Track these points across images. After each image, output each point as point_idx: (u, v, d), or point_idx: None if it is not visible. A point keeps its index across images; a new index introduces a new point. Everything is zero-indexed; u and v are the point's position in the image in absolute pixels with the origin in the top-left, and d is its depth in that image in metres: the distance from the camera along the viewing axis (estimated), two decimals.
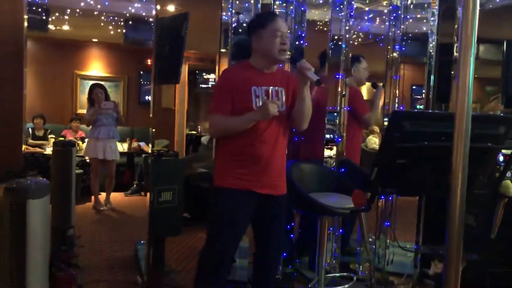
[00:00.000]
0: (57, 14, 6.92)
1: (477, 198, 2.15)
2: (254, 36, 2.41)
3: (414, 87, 6.88)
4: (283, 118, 2.42)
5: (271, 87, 2.39)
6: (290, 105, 2.45)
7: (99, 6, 6.52)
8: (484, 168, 1.94)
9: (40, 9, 6.57)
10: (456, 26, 3.50)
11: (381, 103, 3.96)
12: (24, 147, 4.96)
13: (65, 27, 7.53)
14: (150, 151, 4.55)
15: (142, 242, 4.09)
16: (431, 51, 3.74)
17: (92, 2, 6.40)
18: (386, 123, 3.96)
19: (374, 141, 7.59)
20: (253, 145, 2.33)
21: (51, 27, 7.22)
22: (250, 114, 2.30)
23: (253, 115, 2.29)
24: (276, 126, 2.38)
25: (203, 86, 9.67)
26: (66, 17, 7.02)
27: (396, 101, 3.93)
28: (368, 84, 4.17)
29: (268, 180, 2.38)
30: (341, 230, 3.50)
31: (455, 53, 3.49)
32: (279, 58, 2.38)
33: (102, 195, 6.12)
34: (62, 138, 6.77)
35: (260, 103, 2.33)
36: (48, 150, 6.44)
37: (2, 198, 2.16)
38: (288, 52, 2.38)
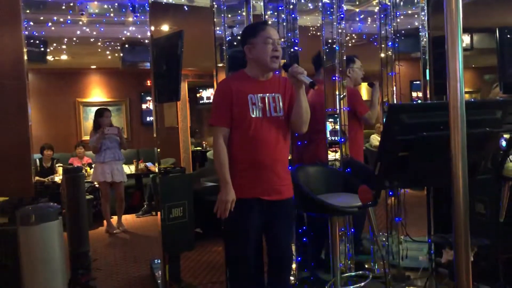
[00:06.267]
0: (54, 44, 7.02)
1: (484, 184, 2.17)
2: (247, 46, 2.46)
3: (414, 82, 6.88)
4: (282, 123, 2.47)
5: (267, 94, 2.44)
6: (288, 110, 2.49)
7: (94, 33, 6.60)
8: (485, 153, 1.96)
9: (37, 41, 6.66)
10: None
11: (379, 101, 3.99)
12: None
13: (64, 57, 7.64)
14: (157, 171, 4.60)
15: (157, 260, 4.12)
16: (424, 45, 3.78)
17: (87, 30, 6.49)
18: None
19: (377, 139, 7.61)
20: (255, 151, 2.39)
21: (49, 58, 7.31)
22: (223, 182, 2.35)
23: (223, 185, 2.36)
24: (275, 131, 2.43)
25: (204, 102, 9.74)
26: (64, 46, 7.12)
27: (395, 98, 3.96)
28: (364, 84, 4.21)
29: (273, 186, 2.43)
30: (352, 230, 3.51)
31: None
32: (271, 66, 2.43)
33: (114, 219, 6.15)
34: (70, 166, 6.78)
35: (258, 111, 2.38)
36: (57, 179, 6.49)
37: (18, 224, 2.21)
38: (282, 60, 2.42)
